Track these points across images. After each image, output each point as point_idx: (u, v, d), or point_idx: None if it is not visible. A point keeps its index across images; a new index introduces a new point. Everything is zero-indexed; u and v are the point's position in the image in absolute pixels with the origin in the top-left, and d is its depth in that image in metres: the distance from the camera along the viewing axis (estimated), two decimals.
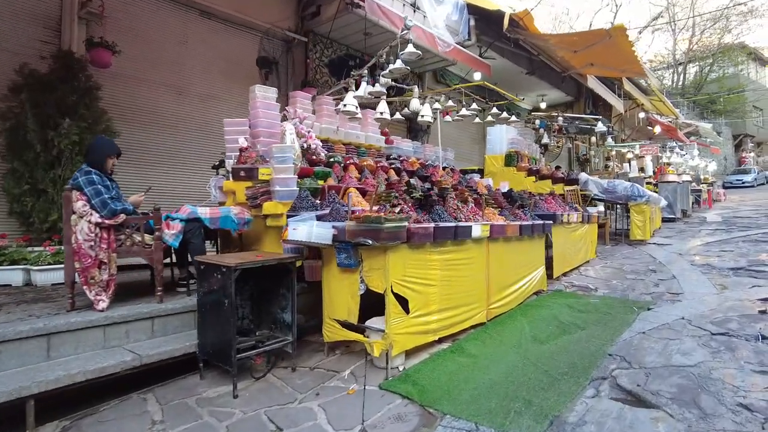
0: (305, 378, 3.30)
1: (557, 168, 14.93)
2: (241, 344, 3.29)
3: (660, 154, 17.44)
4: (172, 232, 3.73)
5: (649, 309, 4.49)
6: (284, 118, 5.14)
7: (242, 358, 3.16)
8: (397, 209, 3.54)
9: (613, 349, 3.50)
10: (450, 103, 7.28)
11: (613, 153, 18.61)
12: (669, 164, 18.72)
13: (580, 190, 8.90)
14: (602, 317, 4.30)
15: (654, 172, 15.30)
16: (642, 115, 18.29)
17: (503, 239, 4.56)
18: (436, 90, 8.54)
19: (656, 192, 12.62)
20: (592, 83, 11.79)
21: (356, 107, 5.25)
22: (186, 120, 6.84)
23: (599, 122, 10.00)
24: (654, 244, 8.44)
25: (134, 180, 6.12)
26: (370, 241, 3.16)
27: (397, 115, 6.46)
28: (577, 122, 11.09)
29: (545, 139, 10.18)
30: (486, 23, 10.30)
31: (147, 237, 3.72)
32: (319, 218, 3.68)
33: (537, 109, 12.00)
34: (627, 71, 10.55)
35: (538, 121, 10.30)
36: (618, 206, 9.93)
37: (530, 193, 6.99)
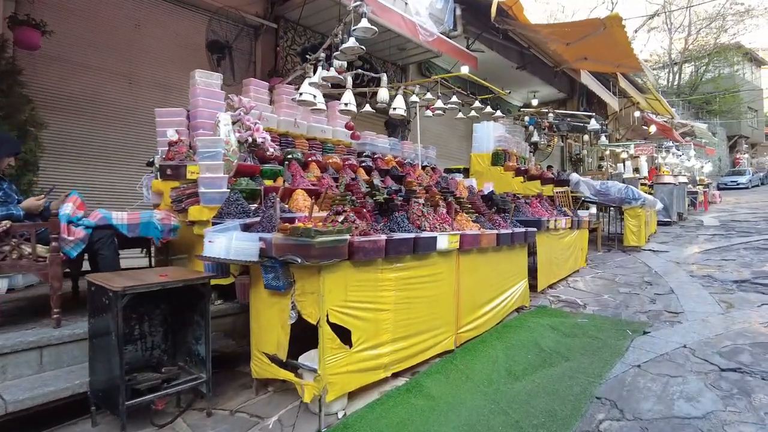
0: (221, 426, 2.65)
1: (549, 168, 14.35)
2: (140, 383, 2.64)
3: (655, 155, 16.90)
4: (71, 239, 3.07)
5: (644, 333, 3.87)
6: (231, 109, 4.47)
7: (137, 403, 2.51)
8: (341, 217, 2.89)
9: (602, 389, 2.87)
10: (428, 95, 6.62)
11: (607, 153, 18.07)
12: (665, 165, 18.21)
13: (571, 192, 8.28)
14: (590, 343, 3.67)
15: (648, 173, 14.73)
16: (637, 114, 17.75)
17: (477, 251, 3.92)
18: (411, 81, 7.87)
19: (651, 194, 12.06)
20: (586, 79, 11.18)
21: (315, 96, 4.58)
22: (135, 111, 6.13)
23: (592, 120, 9.41)
24: (649, 250, 7.85)
25: (67, 179, 5.43)
26: (299, 259, 2.51)
27: (368, 108, 5.79)
28: (568, 119, 10.49)
29: (535, 137, 9.57)
30: (473, 13, 9.66)
31: (41, 248, 3.05)
32: (246, 227, 3.02)
33: (528, 105, 11.37)
34: (623, 66, 9.96)
35: (527, 118, 9.68)
36: (611, 209, 9.36)
37: (514, 195, 6.37)
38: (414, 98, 6.54)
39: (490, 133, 9.19)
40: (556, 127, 10.98)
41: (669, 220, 11.36)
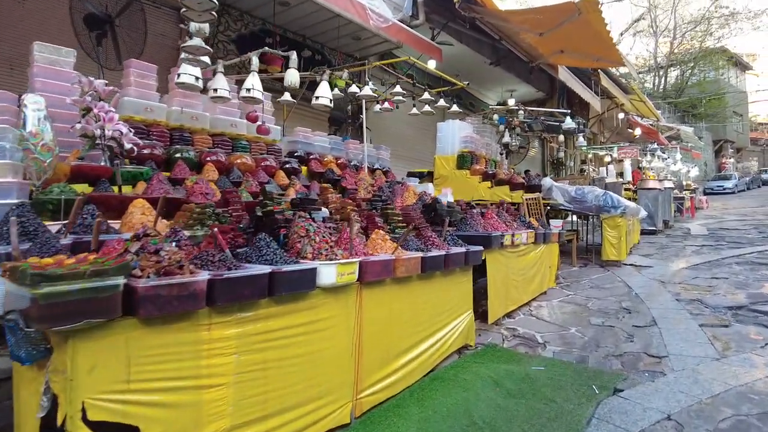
0: None
1: (526, 172, 13.43)
2: None
3: (640, 158, 16.11)
4: None
5: (616, 391, 2.88)
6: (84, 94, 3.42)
7: None
8: (136, 246, 1.86)
9: None
10: (368, 88, 5.62)
11: (590, 156, 17.26)
12: (651, 169, 17.46)
13: (543, 199, 7.34)
14: (541, 410, 2.67)
15: (632, 177, 13.91)
16: (622, 115, 17.00)
17: (393, 282, 2.91)
18: (341, 66, 6.85)
19: (635, 200, 11.19)
20: (564, 75, 10.29)
21: (197, 79, 3.56)
22: None
23: (567, 118, 8.51)
24: (631, 265, 6.92)
25: None
26: (21, 322, 1.48)
27: (287, 96, 4.78)
28: (542, 118, 9.58)
29: (506, 138, 8.64)
30: (438, 0, 8.73)
31: None
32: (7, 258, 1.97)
33: (501, 104, 10.45)
34: (603, 60, 9.08)
35: (496, 116, 8.76)
36: (593, 216, 8.44)
37: (468, 204, 5.40)
38: (354, 89, 5.54)
39: (455, 133, 8.21)
40: (529, 126, 10.06)
41: (654, 228, 10.49)
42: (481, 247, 3.77)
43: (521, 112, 8.80)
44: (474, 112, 9.80)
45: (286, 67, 6.93)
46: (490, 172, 7.90)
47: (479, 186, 7.92)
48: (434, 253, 3.19)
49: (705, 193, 27.03)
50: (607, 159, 15.09)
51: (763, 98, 45.30)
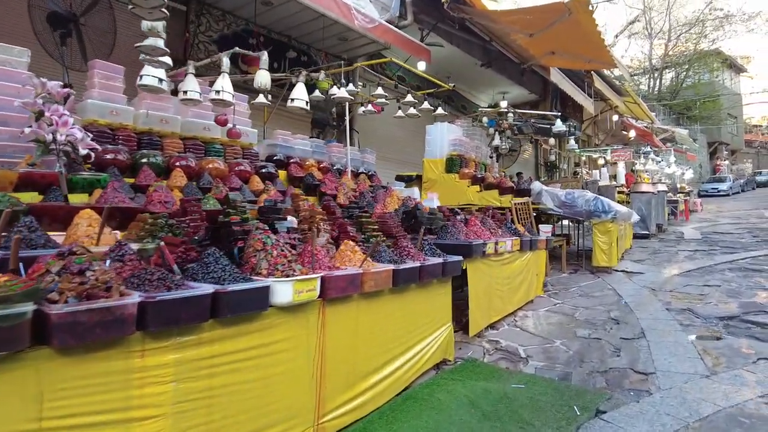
0: None
1: (519, 175, 13.29)
2: None
3: (634, 161, 16.00)
4: None
5: (598, 414, 2.71)
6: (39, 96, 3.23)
7: None
8: (57, 266, 1.67)
9: None
10: (344, 90, 5.43)
11: (584, 158, 17.14)
12: (645, 171, 17.35)
13: (533, 204, 7.18)
14: None
15: (626, 180, 13.78)
16: (616, 117, 16.91)
17: (361, 297, 2.73)
18: (321, 67, 6.64)
19: (628, 203, 11.06)
20: (556, 77, 10.16)
21: (161, 81, 3.38)
22: None
23: (558, 120, 8.36)
24: (622, 272, 6.76)
25: None
26: None
27: (261, 98, 4.61)
28: (532, 120, 9.43)
29: (496, 141, 8.48)
30: (426, 0, 8.57)
31: None
32: None
33: (492, 106, 10.29)
34: (594, 61, 8.94)
35: (485, 119, 8.60)
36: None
37: (452, 210, 5.23)
38: (334, 91, 5.37)
39: (443, 136, 8.04)
40: (519, 129, 9.90)
41: (647, 232, 10.35)
42: (460, 257, 3.60)
43: (510, 114, 8.63)
44: (466, 115, 9.63)
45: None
46: (479, 176, 7.72)
47: (468, 190, 7.75)
48: (408, 264, 3.01)
49: (699, 196, 27.00)
50: (601, 162, 14.95)
51: (757, 100, 45.51)
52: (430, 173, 8.20)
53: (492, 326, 4.36)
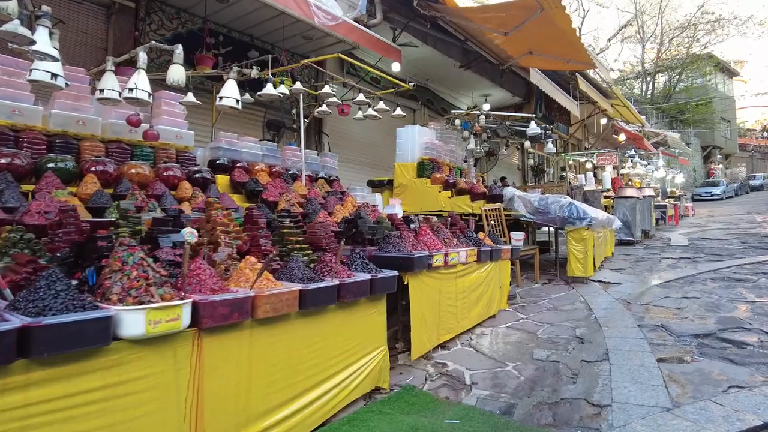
0: None
1: (503, 179, 12.92)
2: None
3: (622, 165, 15.66)
4: None
5: None
6: None
7: None
8: None
9: None
10: (283, 88, 5.05)
11: (570, 162, 16.81)
12: (637, 175, 17.02)
13: (505, 210, 6.80)
14: None
15: (612, 184, 13.43)
16: (604, 121, 16.60)
17: (255, 323, 2.33)
18: (251, 60, 6.20)
19: (612, 208, 10.70)
20: (537, 78, 9.81)
21: (53, 76, 2.98)
22: None
23: (532, 123, 7.98)
24: (599, 281, 6.37)
25: None
26: None
27: (190, 97, 4.22)
28: (507, 123, 9.06)
29: (471, 144, 8.11)
30: None
31: None
32: None
33: (471, 109, 9.92)
34: (573, 61, 8.60)
35: (458, 121, 8.23)
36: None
37: (406, 218, 4.83)
38: (282, 89, 4.98)
39: (415, 139, 7.69)
40: (494, 131, 9.53)
41: (632, 239, 9.97)
42: (395, 272, 3.20)
43: (483, 116, 8.26)
44: (446, 118, 9.28)
45: (215, 66, 6.37)
46: (451, 181, 7.35)
47: (439, 196, 7.38)
48: (320, 284, 2.60)
49: (693, 200, 26.77)
50: (589, 165, 14.61)
51: (750, 104, 45.44)
52: (401, 178, 7.83)
53: (443, 346, 3.95)
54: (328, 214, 4.41)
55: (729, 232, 11.49)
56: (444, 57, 9.76)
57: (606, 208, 11.29)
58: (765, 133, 47.80)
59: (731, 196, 30.05)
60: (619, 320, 4.57)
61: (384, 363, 3.20)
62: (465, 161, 8.01)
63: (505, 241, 6.66)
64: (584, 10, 32.38)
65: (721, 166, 37.18)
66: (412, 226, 4.54)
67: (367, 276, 2.96)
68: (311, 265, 2.94)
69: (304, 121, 6.78)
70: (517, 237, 6.32)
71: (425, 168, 7.59)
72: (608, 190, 12.38)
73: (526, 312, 5.05)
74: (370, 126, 9.88)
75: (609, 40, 36.61)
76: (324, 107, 5.72)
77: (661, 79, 35.87)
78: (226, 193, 4.36)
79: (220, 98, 3.93)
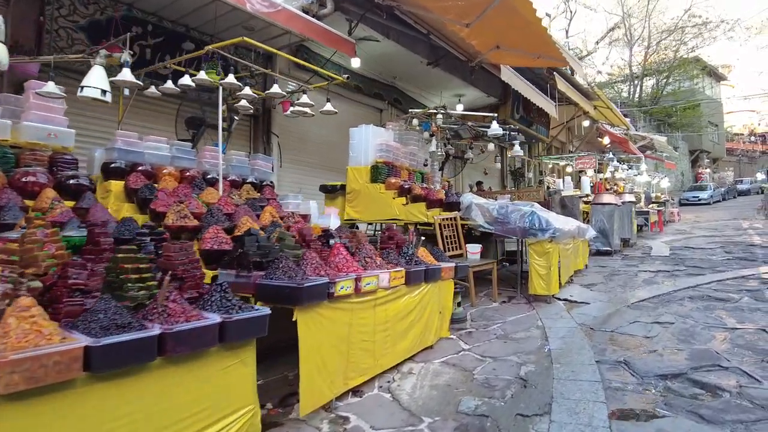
0: None
1: (478, 184, 12.23)
2: None
3: (601, 168, 15.05)
4: None
5: None
6: None
7: None
8: None
9: None
10: (186, 78, 4.31)
11: (551, 166, 16.21)
12: (617, 180, 16.43)
13: (462, 219, 6.09)
14: None
15: (592, 189, 12.81)
16: (586, 123, 15.99)
17: (3, 399, 1.59)
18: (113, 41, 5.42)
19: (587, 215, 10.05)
20: (508, 75, 9.15)
21: None
22: None
23: (493, 123, 7.30)
24: (564, 300, 5.68)
25: None
26: None
27: (50, 87, 3.46)
28: (470, 123, 8.40)
29: (432, 146, 7.42)
30: None
31: None
32: None
33: (436, 108, 9.21)
34: (543, 57, 7.93)
35: (416, 121, 7.54)
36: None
37: (325, 232, 4.11)
38: (186, 80, 4.25)
39: (368, 140, 6.96)
40: (455, 133, 8.85)
41: (609, 249, 9.32)
42: (266, 310, 2.46)
43: (440, 116, 7.56)
44: (403, 118, 8.58)
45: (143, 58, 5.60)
46: (406, 186, 6.63)
47: (393, 203, 6.65)
48: (119, 337, 1.86)
49: (681, 204, 26.37)
50: (569, 169, 13.99)
51: (738, 108, 45.40)
52: (353, 183, 7.10)
53: (356, 391, 3.22)
54: (226, 229, 3.67)
55: (713, 240, 10.89)
56: (409, 53, 9.05)
57: (585, 214, 10.66)
58: (752, 138, 47.79)
59: (719, 201, 29.74)
60: (576, 354, 3.87)
61: (252, 426, 2.46)
62: (425, 164, 7.30)
63: (460, 255, 5.97)
64: (571, 12, 31.95)
65: (708, 170, 36.94)
66: (331, 242, 3.81)
67: (216, 319, 2.22)
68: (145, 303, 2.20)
69: (233, 119, 6.05)
70: (474, 250, 5.63)
71: (380, 172, 6.85)
72: (587, 195, 11.74)
73: (471, 340, 4.33)
74: (329, 125, 9.16)
75: (597, 42, 36.32)
76: (243, 102, 4.98)
77: (649, 83, 35.63)
78: (99, 203, 3.60)
79: (81, 88, 3.19)
